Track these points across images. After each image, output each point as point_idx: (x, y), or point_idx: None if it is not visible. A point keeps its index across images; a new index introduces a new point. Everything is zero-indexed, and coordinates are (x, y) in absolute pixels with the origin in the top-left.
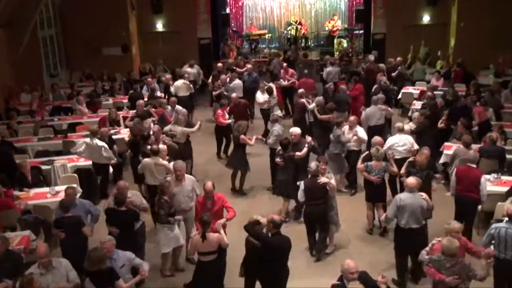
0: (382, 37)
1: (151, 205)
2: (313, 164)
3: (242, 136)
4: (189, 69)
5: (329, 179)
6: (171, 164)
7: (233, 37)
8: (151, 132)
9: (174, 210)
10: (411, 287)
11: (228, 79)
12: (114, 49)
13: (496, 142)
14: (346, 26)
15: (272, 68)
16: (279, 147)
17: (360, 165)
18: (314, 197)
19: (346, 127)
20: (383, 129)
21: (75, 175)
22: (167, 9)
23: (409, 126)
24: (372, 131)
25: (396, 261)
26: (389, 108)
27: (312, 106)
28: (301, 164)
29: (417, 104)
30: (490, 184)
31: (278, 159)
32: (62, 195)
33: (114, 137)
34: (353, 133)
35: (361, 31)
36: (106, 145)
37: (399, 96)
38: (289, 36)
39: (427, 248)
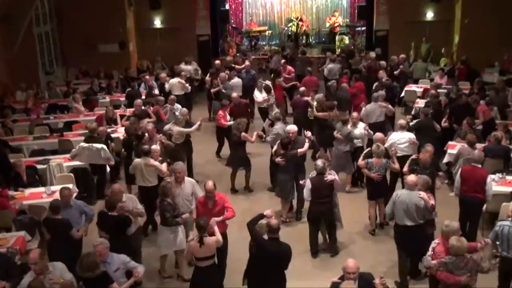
0: (384, 34)
1: (149, 208)
2: (319, 162)
3: (243, 133)
4: (184, 66)
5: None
6: (164, 165)
7: (233, 34)
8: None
9: (178, 212)
10: (411, 287)
11: (226, 77)
12: (111, 46)
13: (501, 141)
14: (348, 22)
15: (272, 65)
16: (275, 147)
17: (361, 161)
18: (320, 195)
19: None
20: (383, 127)
21: (71, 174)
22: (165, 5)
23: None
24: (372, 128)
25: (398, 261)
26: (389, 106)
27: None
28: (300, 161)
29: (420, 102)
30: (495, 184)
31: (279, 159)
32: (58, 195)
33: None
34: (363, 128)
35: (363, 28)
36: (104, 146)
37: (402, 94)
38: (289, 33)
39: (430, 253)
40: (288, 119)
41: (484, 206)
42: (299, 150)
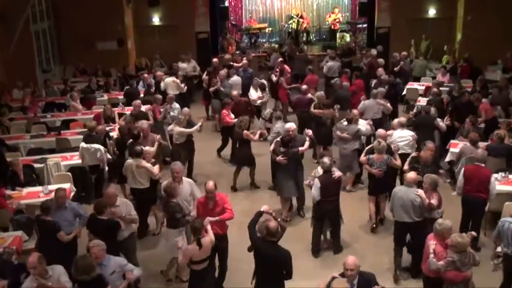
0: (386, 31)
1: (140, 211)
2: (326, 159)
3: (246, 131)
4: (181, 65)
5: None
6: (156, 167)
7: (232, 31)
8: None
9: (184, 212)
10: (411, 285)
11: (226, 75)
12: (109, 43)
13: (504, 139)
14: (349, 19)
15: (271, 63)
16: (273, 145)
17: (362, 157)
18: (328, 193)
19: (345, 122)
20: (381, 124)
21: (69, 173)
22: (164, 2)
23: None
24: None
25: (394, 255)
26: (388, 104)
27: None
28: (300, 160)
29: (422, 101)
30: (498, 183)
31: (280, 157)
32: None
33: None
34: (367, 124)
35: (365, 25)
36: (102, 148)
37: (404, 92)
38: (290, 30)
39: (432, 255)
40: (289, 118)
41: (487, 206)
42: (300, 148)
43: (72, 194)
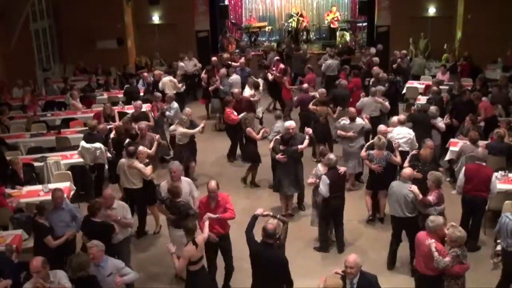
0: (386, 29)
1: (141, 212)
2: (332, 156)
3: (248, 128)
4: (181, 64)
5: None
6: (148, 168)
7: (232, 30)
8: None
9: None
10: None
11: (225, 74)
12: (109, 42)
13: (504, 138)
14: (347, 18)
15: (268, 62)
16: (272, 143)
17: (363, 153)
18: (336, 189)
19: (346, 121)
20: (379, 122)
21: (69, 172)
22: (163, 1)
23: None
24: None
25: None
26: (386, 103)
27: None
28: (299, 157)
29: (422, 99)
30: (498, 181)
31: (279, 156)
32: None
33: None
34: (365, 118)
35: (365, 24)
36: (103, 147)
37: (404, 91)
38: (290, 29)
39: (436, 253)
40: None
41: (487, 204)
42: (299, 146)
43: (72, 192)
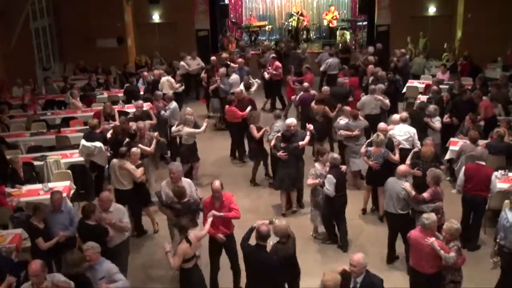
0: (386, 28)
1: (135, 213)
2: (336, 155)
3: (252, 125)
4: (182, 63)
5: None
6: (139, 170)
7: (232, 29)
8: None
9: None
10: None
11: (225, 73)
12: (109, 41)
13: (504, 137)
14: (346, 16)
15: (264, 60)
16: (273, 141)
17: (362, 149)
18: (341, 188)
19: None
20: (379, 120)
21: (69, 171)
22: (163, 0)
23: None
24: (367, 119)
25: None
26: (386, 100)
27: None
28: (300, 154)
29: (422, 98)
30: (498, 181)
31: (280, 153)
32: None
33: None
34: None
35: (365, 23)
36: (102, 146)
37: (404, 90)
38: (290, 28)
39: (442, 251)
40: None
41: (487, 204)
42: (300, 143)
43: (72, 191)
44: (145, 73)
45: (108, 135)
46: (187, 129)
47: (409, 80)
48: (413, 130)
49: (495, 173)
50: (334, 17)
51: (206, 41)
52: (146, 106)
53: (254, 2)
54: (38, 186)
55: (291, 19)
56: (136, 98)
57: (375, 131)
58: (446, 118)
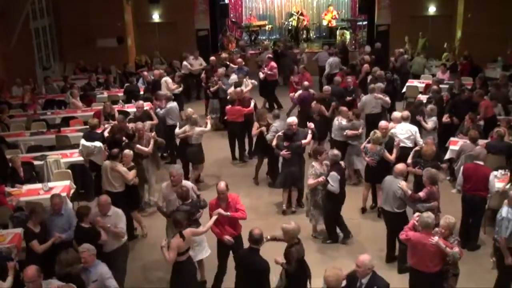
0: (386, 28)
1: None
2: (336, 151)
3: (256, 123)
4: (184, 63)
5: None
6: (132, 172)
7: (232, 28)
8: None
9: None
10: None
11: (224, 73)
12: (109, 40)
13: (504, 137)
14: (349, 17)
15: (260, 61)
16: (275, 141)
17: (362, 146)
18: (343, 184)
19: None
20: (380, 118)
21: (69, 171)
22: None
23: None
24: (368, 119)
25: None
26: (386, 98)
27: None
28: (301, 153)
29: (422, 98)
30: (497, 180)
31: (284, 152)
32: (55, 192)
33: None
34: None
35: (365, 23)
36: (102, 147)
37: (404, 90)
38: (290, 27)
39: (448, 248)
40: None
41: (487, 203)
42: (303, 141)
43: (72, 191)
44: (145, 73)
45: (106, 133)
46: (198, 128)
47: (409, 80)
48: (414, 129)
49: (495, 172)
50: (334, 17)
51: (206, 40)
52: (146, 105)
53: (254, 1)
54: (38, 185)
55: (291, 19)
56: (136, 98)
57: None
58: (446, 118)
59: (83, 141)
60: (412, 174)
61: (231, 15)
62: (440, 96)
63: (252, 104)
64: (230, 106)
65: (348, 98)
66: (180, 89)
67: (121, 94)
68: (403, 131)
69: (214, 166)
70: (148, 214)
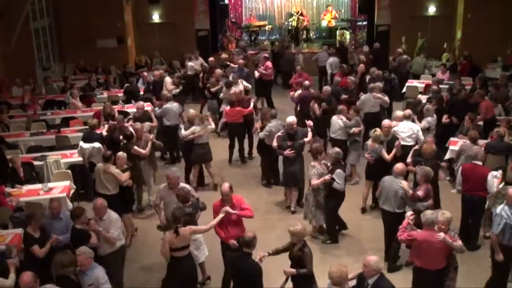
0: (386, 28)
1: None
2: (338, 149)
3: (259, 122)
4: (190, 63)
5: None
6: (125, 174)
7: (232, 29)
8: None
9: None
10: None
11: (222, 74)
12: (109, 41)
13: (504, 137)
14: (349, 17)
15: (256, 60)
16: (275, 142)
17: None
18: (345, 182)
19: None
20: (379, 117)
21: (69, 171)
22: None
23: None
24: (367, 117)
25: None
26: (385, 97)
27: None
28: (301, 151)
29: (422, 98)
30: (497, 180)
31: (288, 151)
32: (55, 192)
33: None
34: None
35: (365, 23)
36: (101, 147)
37: (404, 90)
38: (290, 28)
39: (454, 243)
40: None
41: (487, 203)
42: (305, 140)
43: (72, 191)
44: (145, 73)
45: (104, 133)
46: (210, 126)
47: (409, 80)
48: (416, 127)
49: (495, 172)
50: (334, 16)
51: (206, 41)
52: (146, 106)
53: (254, 2)
54: (38, 186)
55: (291, 19)
56: (136, 98)
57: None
58: (445, 119)
59: (81, 144)
60: (412, 173)
61: (231, 15)
62: (440, 96)
63: (251, 105)
64: (229, 108)
65: (344, 96)
66: (177, 90)
67: (121, 94)
68: (405, 130)
69: (214, 167)
70: (147, 216)
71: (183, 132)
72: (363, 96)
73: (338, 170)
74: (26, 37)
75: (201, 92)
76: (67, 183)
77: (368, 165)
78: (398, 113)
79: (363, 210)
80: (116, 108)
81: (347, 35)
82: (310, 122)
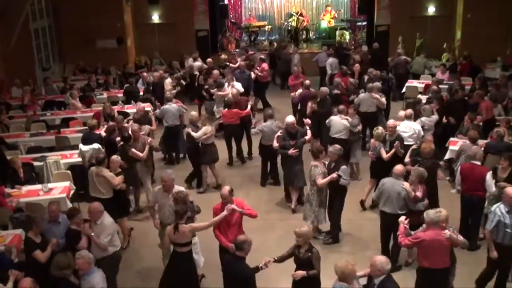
0: (386, 28)
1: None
2: (338, 146)
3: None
4: (192, 63)
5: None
6: (119, 178)
7: (232, 29)
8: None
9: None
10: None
11: (219, 75)
12: (109, 41)
13: (504, 137)
14: (348, 17)
15: (252, 61)
16: (275, 142)
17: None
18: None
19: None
20: (375, 118)
21: (69, 172)
22: (163, 0)
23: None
24: (363, 117)
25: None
26: (382, 98)
27: None
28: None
29: (422, 98)
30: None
31: (292, 151)
32: (55, 193)
33: None
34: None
35: (364, 23)
36: (100, 147)
37: (404, 90)
38: (289, 28)
39: (455, 236)
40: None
41: (486, 203)
42: (306, 138)
43: (72, 192)
44: (145, 74)
45: (102, 133)
46: (211, 127)
47: (409, 80)
48: (417, 127)
49: None
50: (333, 17)
51: (206, 41)
52: (147, 106)
53: (253, 2)
54: (38, 186)
55: (291, 19)
56: (135, 99)
57: (371, 128)
58: (445, 119)
59: (81, 146)
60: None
61: (231, 16)
62: (440, 96)
63: (249, 106)
64: (226, 109)
65: (336, 91)
66: (175, 91)
67: (120, 95)
68: (406, 129)
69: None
70: (145, 218)
71: (194, 134)
72: (361, 95)
73: (343, 167)
74: (25, 37)
75: (197, 92)
76: (67, 183)
77: (372, 163)
78: (402, 113)
79: (362, 203)
80: (116, 108)
81: (347, 35)
82: (308, 121)
